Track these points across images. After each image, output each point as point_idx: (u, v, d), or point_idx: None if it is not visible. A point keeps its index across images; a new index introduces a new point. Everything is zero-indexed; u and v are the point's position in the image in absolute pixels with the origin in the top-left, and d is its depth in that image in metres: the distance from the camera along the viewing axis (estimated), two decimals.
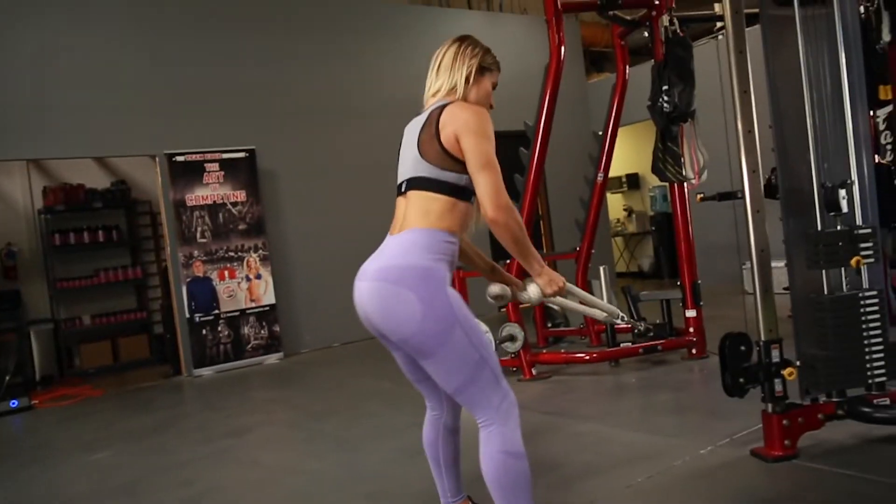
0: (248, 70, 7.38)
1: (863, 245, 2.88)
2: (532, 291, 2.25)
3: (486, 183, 2.01)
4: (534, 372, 5.03)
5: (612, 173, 10.24)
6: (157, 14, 7.00)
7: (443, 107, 2.12)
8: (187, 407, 5.81)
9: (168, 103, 6.92)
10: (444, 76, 2.21)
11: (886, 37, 3.00)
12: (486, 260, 2.47)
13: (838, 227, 2.91)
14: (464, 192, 2.10)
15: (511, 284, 2.38)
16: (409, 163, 2.16)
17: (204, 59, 7.17)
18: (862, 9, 3.19)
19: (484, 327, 5.02)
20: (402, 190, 2.19)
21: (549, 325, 6.34)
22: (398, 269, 2.02)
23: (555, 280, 2.21)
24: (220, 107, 7.18)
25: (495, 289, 2.35)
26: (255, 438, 4.40)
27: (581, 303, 2.55)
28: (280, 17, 7.68)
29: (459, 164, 2.07)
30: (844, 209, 2.89)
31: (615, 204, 11.63)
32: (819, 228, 2.95)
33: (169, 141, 6.84)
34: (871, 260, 2.89)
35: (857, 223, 2.95)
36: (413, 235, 2.08)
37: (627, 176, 11.30)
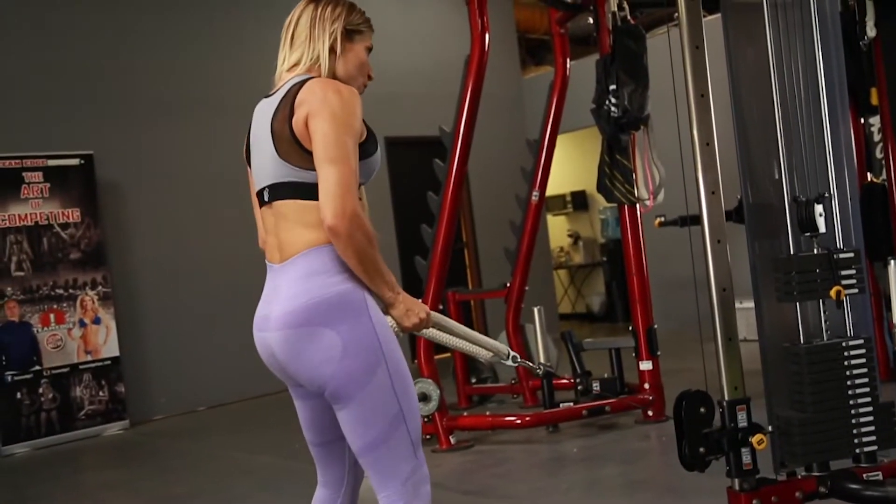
0: (86, 53, 7.21)
1: (844, 272, 2.96)
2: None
3: (331, 180, 1.98)
4: (452, 440, 5.03)
5: (552, 191, 10.48)
6: None
7: (302, 82, 2.09)
8: None
9: None
10: (301, 48, 2.19)
11: (871, 32, 3.15)
12: None
13: (815, 251, 3.00)
14: None
15: None
16: (268, 163, 2.13)
17: (23, 38, 6.96)
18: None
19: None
20: (266, 199, 2.16)
21: (474, 380, 6.34)
22: (305, 311, 2.04)
23: (414, 310, 2.15)
24: (47, 100, 6.97)
25: None
26: None
27: (457, 337, 2.47)
28: None
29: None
30: (822, 229, 2.98)
31: (558, 229, 11.83)
32: (791, 252, 3.03)
33: None
34: (855, 290, 2.98)
35: (838, 246, 3.05)
36: (305, 261, 2.07)
37: (573, 194, 11.53)
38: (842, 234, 3.07)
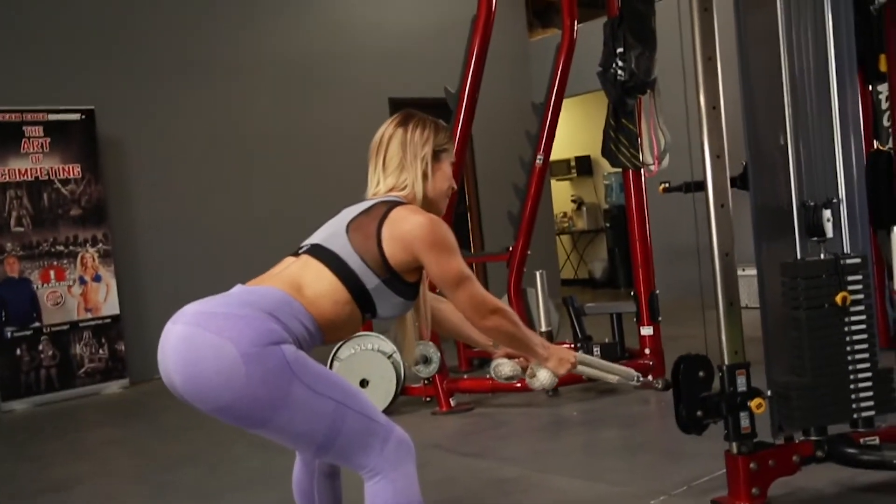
0: (89, 7, 7.18)
1: (851, 278, 3.00)
2: (543, 377, 2.48)
3: (466, 299, 2.20)
4: (452, 403, 5.07)
5: (556, 155, 10.48)
6: None
7: (391, 205, 2.18)
8: None
9: None
10: (393, 175, 2.29)
11: None
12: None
13: (821, 256, 3.03)
14: (363, 298, 2.15)
15: (517, 357, 2.56)
16: (327, 233, 2.22)
17: None
18: None
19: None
20: (299, 252, 2.22)
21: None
22: (220, 317, 2.00)
23: (565, 358, 2.41)
24: (47, 52, 6.96)
25: (506, 369, 2.61)
26: (82, 495, 4.27)
27: (594, 368, 2.73)
28: None
29: (386, 272, 2.14)
30: (829, 234, 3.02)
31: (562, 194, 11.84)
32: (798, 256, 3.06)
33: None
34: (861, 296, 3.02)
35: (845, 251, 3.08)
36: (264, 291, 2.09)
37: (577, 159, 11.52)
38: (849, 238, 3.10)
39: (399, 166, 2.28)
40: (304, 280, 2.12)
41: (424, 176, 2.28)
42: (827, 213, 3.02)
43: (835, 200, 3.07)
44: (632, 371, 2.78)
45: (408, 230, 2.13)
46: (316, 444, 2.06)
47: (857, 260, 3.03)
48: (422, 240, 2.12)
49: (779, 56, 3.09)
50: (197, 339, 1.99)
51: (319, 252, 2.17)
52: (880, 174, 3.40)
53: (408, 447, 2.10)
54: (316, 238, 2.24)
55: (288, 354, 1.99)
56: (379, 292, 2.15)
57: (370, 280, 2.13)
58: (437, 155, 2.31)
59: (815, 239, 3.04)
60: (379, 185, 2.31)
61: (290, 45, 8.17)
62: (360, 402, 2.09)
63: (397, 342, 2.45)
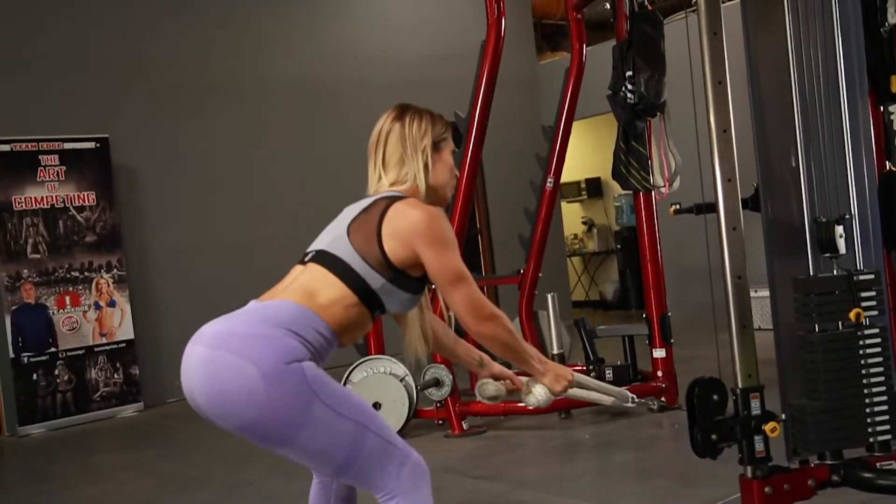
0: (102, 38, 7.24)
1: (864, 294, 2.97)
2: (539, 394, 2.37)
3: (462, 299, 2.13)
4: (464, 426, 5.04)
5: (566, 178, 10.47)
6: None
7: (390, 201, 2.16)
8: (4, 478, 5.63)
9: None
10: (395, 170, 2.26)
11: (893, 18, 3.13)
12: (473, 352, 2.52)
13: (834, 272, 3.00)
14: (370, 298, 2.13)
15: (504, 378, 2.49)
16: (330, 237, 2.20)
17: (40, 21, 6.98)
18: None
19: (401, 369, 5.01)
20: (307, 259, 2.21)
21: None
22: (240, 337, 2.02)
23: (562, 375, 2.33)
24: (63, 83, 7.01)
25: (489, 389, 2.48)
26: None
27: (590, 390, 2.69)
28: None
29: (389, 270, 2.12)
30: (842, 250, 2.99)
31: (572, 216, 11.82)
32: (811, 273, 3.03)
33: None
34: (875, 312, 2.99)
35: (858, 267, 3.05)
36: (279, 306, 2.10)
37: (587, 181, 11.52)
38: (862, 255, 3.07)
39: (399, 161, 2.26)
40: (314, 288, 2.11)
41: (426, 168, 2.26)
42: (840, 230, 2.99)
43: (847, 216, 3.03)
44: (627, 392, 2.76)
45: (406, 225, 2.10)
46: (335, 465, 2.06)
47: (871, 276, 3.00)
48: (420, 234, 2.09)
49: (789, 78, 3.08)
50: (218, 361, 2.01)
51: (325, 259, 2.15)
52: (894, 195, 3.36)
53: (423, 471, 2.10)
54: (320, 244, 2.21)
55: (308, 373, 2.00)
56: (385, 291, 2.13)
57: (375, 280, 2.11)
58: (436, 145, 2.29)
59: (828, 255, 3.01)
60: (381, 180, 2.28)
61: (300, 73, 8.20)
62: (380, 426, 2.09)
63: (405, 339, 2.37)
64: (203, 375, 2.02)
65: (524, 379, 2.42)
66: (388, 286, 2.13)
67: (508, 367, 2.53)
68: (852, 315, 2.93)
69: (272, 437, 2.04)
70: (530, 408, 2.53)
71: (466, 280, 2.14)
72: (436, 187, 2.28)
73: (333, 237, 2.19)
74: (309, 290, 2.11)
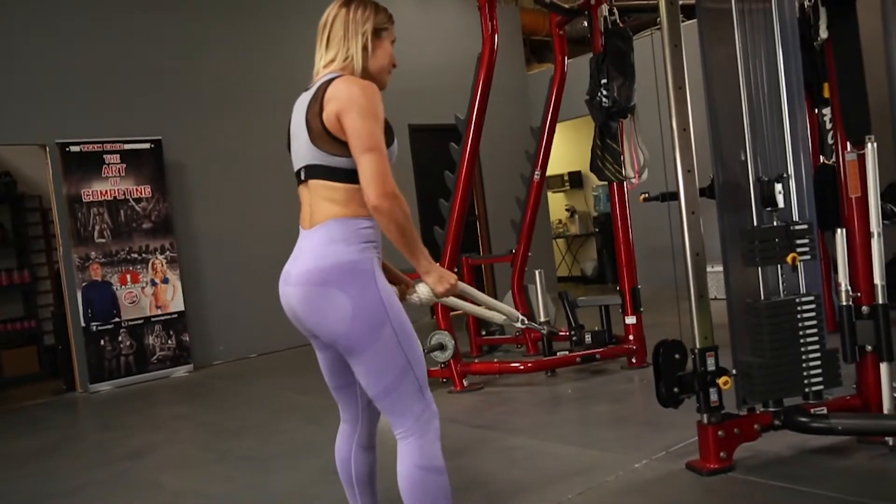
0: (155, 52, 7.22)
1: (799, 241, 3.01)
2: (422, 291, 2.19)
3: (370, 167, 1.98)
4: (465, 383, 5.07)
5: (554, 171, 10.49)
6: None
7: (331, 80, 2.09)
8: (81, 426, 5.66)
9: (62, 87, 6.71)
10: (336, 48, 2.17)
11: (824, 34, 3.15)
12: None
13: (774, 223, 3.03)
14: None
15: (402, 283, 2.36)
16: (303, 148, 2.14)
17: (104, 39, 6.98)
18: (798, 4, 3.33)
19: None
20: (302, 178, 2.18)
21: (484, 333, 6.40)
22: (321, 271, 2.04)
23: (445, 277, 2.16)
24: (123, 92, 7.02)
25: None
26: (157, 460, 4.31)
27: (475, 304, 2.53)
28: None
29: (348, 148, 2.04)
30: (780, 204, 3.02)
31: (557, 204, 11.81)
32: (755, 224, 3.06)
33: (62, 129, 6.63)
34: (808, 257, 3.02)
35: (794, 219, 3.08)
36: (328, 229, 2.07)
37: (570, 174, 11.49)
38: (797, 209, 3.11)
39: (340, 41, 2.16)
40: (329, 199, 2.08)
41: (364, 49, 2.15)
42: (778, 187, 3.02)
43: (785, 175, 3.06)
44: (515, 312, 2.64)
45: (340, 99, 2.01)
46: (381, 387, 2.07)
47: (805, 226, 3.04)
48: (350, 100, 2.00)
49: (738, 84, 3.10)
50: (312, 294, 2.05)
51: (313, 172, 2.11)
52: (826, 184, 3.38)
53: (436, 420, 2.14)
54: (299, 159, 2.16)
55: (383, 294, 2.05)
56: None
57: (353, 163, 2.03)
58: (377, 32, 2.18)
59: (769, 209, 3.04)
60: (321, 59, 2.19)
61: None
62: (422, 370, 2.12)
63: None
64: (303, 305, 2.07)
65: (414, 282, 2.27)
66: None
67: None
68: (789, 259, 2.98)
69: (352, 346, 2.04)
70: (415, 304, 2.25)
71: (381, 151, 2.00)
72: (373, 71, 2.18)
73: (305, 147, 2.11)
74: (328, 202, 2.08)
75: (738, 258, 3.10)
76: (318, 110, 2.06)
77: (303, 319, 2.11)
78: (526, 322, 2.76)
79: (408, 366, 2.07)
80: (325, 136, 2.06)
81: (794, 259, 2.98)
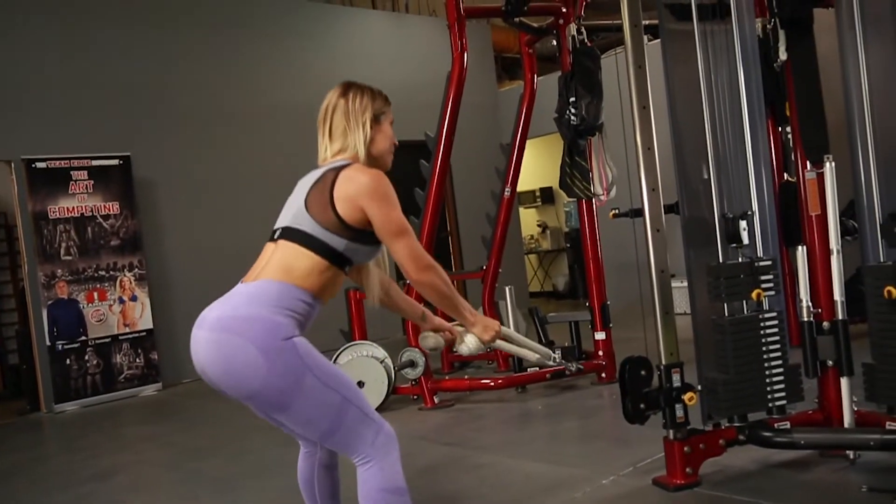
0: (124, 68, 7.17)
1: (763, 277, 3.05)
2: (470, 342, 2.33)
3: (404, 250, 2.10)
4: (436, 400, 5.06)
5: (526, 187, 10.54)
6: None
7: (339, 169, 2.14)
8: (45, 448, 5.55)
9: (28, 102, 6.64)
10: (339, 140, 2.23)
11: (783, 55, 3.21)
12: (417, 307, 2.51)
13: (739, 260, 3.08)
14: (339, 259, 2.11)
15: (443, 330, 2.46)
16: (291, 212, 2.17)
17: (71, 53, 6.93)
18: (760, 26, 3.40)
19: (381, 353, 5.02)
20: (276, 236, 2.18)
21: (454, 349, 6.38)
22: (239, 320, 2.01)
23: (490, 326, 2.29)
24: (91, 108, 6.95)
25: (430, 341, 2.46)
26: (122, 482, 4.25)
27: (516, 345, 2.66)
28: (161, 9, 7.51)
29: (348, 231, 2.09)
30: (745, 241, 3.07)
31: (529, 219, 11.88)
32: (720, 260, 3.10)
33: (28, 144, 6.55)
34: (772, 293, 3.07)
35: (758, 255, 3.12)
36: (265, 286, 2.08)
37: (541, 190, 11.57)
38: (761, 245, 3.14)
39: (343, 132, 2.22)
40: (289, 263, 2.09)
41: (366, 138, 2.21)
42: (743, 224, 3.07)
43: (749, 213, 3.11)
44: (549, 351, 2.75)
45: (354, 188, 2.08)
46: (322, 431, 2.06)
47: (769, 262, 3.08)
48: (366, 193, 2.06)
49: (701, 104, 3.15)
50: (223, 342, 2.00)
51: (291, 234, 2.12)
52: (790, 200, 3.45)
53: (394, 439, 2.12)
54: (284, 220, 2.17)
55: (300, 348, 2.01)
56: (350, 249, 2.11)
57: (339, 243, 2.09)
58: (376, 118, 2.24)
59: (734, 245, 3.09)
60: (327, 150, 2.25)
61: (293, 99, 8.15)
62: (360, 399, 2.10)
63: (365, 286, 2.34)
64: (212, 355, 2.02)
65: (460, 330, 2.37)
66: (351, 245, 2.11)
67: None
68: (754, 295, 3.02)
69: (273, 404, 2.02)
70: (464, 355, 2.44)
71: (408, 233, 2.11)
72: (376, 155, 2.24)
73: (294, 212, 2.15)
74: (285, 265, 2.09)
75: (704, 275, 3.14)
76: (329, 199, 2.09)
77: (209, 371, 2.04)
78: (558, 360, 2.84)
79: (344, 401, 2.05)
80: (328, 208, 2.09)
81: (758, 295, 3.03)
